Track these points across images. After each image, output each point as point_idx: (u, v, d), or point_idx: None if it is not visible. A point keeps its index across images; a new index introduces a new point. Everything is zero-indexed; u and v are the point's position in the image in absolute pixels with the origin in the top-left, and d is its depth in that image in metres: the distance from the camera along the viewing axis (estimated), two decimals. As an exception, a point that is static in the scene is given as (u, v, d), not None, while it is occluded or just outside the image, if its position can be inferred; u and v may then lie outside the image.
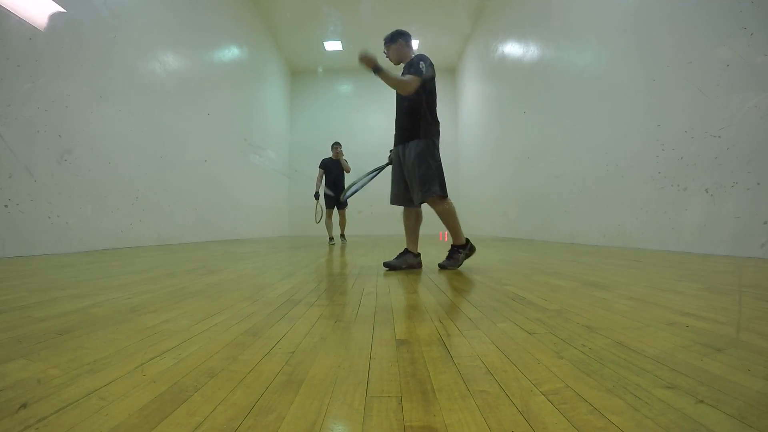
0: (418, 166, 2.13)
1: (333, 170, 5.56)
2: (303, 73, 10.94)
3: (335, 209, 5.63)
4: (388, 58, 2.34)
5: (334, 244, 5.37)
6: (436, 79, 2.33)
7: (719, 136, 2.70)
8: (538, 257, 2.89)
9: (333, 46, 9.62)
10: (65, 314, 1.09)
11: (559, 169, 4.91)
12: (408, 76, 2.08)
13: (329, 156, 5.63)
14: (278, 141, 9.85)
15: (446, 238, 7.04)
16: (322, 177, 5.56)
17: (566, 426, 0.47)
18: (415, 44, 9.55)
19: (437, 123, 2.30)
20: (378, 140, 10.50)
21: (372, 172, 2.73)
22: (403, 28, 2.44)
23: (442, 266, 2.17)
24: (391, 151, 2.41)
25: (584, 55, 4.34)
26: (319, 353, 0.76)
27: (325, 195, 5.53)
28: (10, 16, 2.94)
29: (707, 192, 2.80)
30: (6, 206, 2.87)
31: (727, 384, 0.59)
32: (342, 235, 5.81)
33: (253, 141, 7.85)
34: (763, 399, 0.54)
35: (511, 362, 0.70)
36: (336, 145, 5.56)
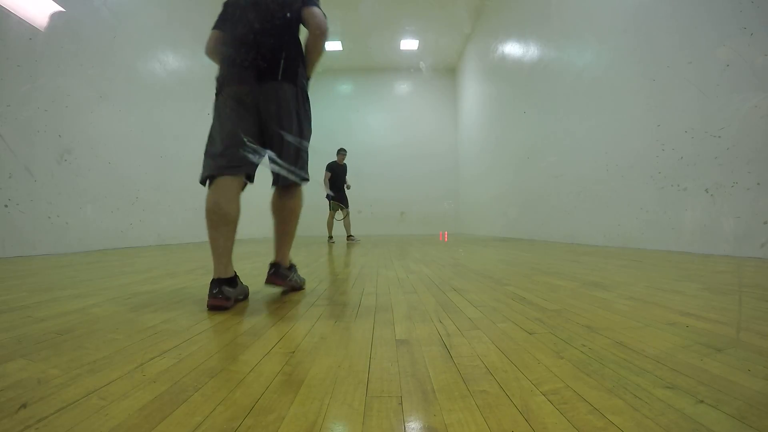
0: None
1: (340, 174, 5.82)
2: (303, 73, 10.95)
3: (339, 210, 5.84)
4: None
5: (333, 243, 5.48)
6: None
7: (719, 136, 2.70)
8: (538, 257, 2.89)
9: (333, 45, 9.62)
10: (65, 314, 1.09)
11: (559, 169, 4.91)
12: (317, 12, 1.41)
13: (334, 160, 5.76)
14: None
15: (446, 238, 7.07)
16: (329, 179, 5.72)
17: (566, 426, 0.47)
18: (414, 44, 9.65)
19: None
20: (378, 140, 10.58)
21: None
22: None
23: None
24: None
25: (584, 55, 4.34)
26: (319, 353, 0.76)
27: (333, 197, 5.68)
28: (10, 16, 2.95)
29: (707, 192, 2.80)
30: (6, 206, 2.87)
31: (727, 384, 0.59)
32: (350, 236, 5.91)
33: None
34: (763, 399, 0.54)
35: (511, 362, 0.70)
36: (343, 152, 5.82)
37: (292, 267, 1.50)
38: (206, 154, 1.35)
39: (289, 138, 1.38)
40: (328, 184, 5.68)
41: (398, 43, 9.53)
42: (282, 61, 1.37)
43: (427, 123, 10.83)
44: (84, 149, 3.59)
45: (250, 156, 1.35)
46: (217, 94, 1.45)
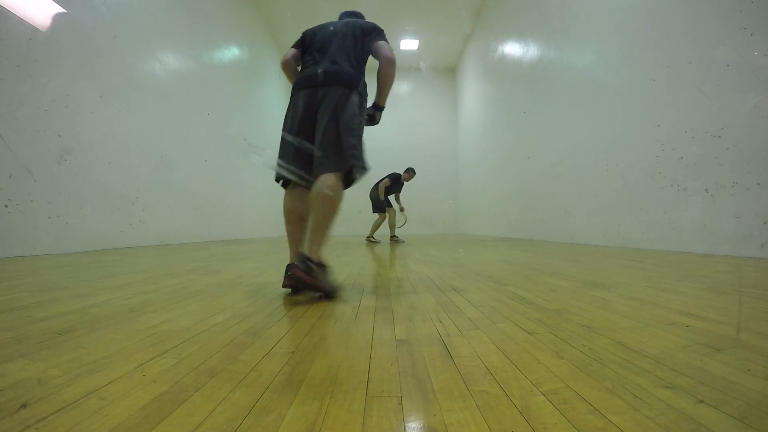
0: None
1: (396, 188, 5.91)
2: (303, 73, 10.94)
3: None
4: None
5: (401, 242, 5.72)
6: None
7: (719, 136, 2.70)
8: (538, 257, 2.89)
9: (333, 46, 9.63)
10: (65, 314, 1.09)
11: (559, 169, 4.91)
12: (386, 45, 1.63)
13: (398, 172, 5.86)
14: (278, 141, 9.85)
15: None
16: (385, 185, 5.74)
17: (566, 426, 0.47)
18: (414, 44, 9.65)
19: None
20: (378, 140, 10.55)
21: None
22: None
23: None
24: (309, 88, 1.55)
25: (584, 55, 4.34)
26: (319, 353, 0.76)
27: (387, 201, 5.82)
28: (10, 16, 2.94)
29: (707, 192, 2.80)
30: (6, 206, 2.87)
31: (727, 384, 0.59)
32: (394, 236, 5.99)
33: (253, 141, 7.85)
34: (763, 399, 0.54)
35: (511, 362, 0.70)
36: (410, 171, 5.88)
37: (322, 265, 1.34)
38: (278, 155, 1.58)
39: (330, 128, 1.46)
40: (383, 190, 5.66)
41: (398, 43, 9.53)
42: (344, 72, 1.54)
43: (428, 123, 10.82)
44: (84, 149, 3.59)
45: (293, 169, 1.50)
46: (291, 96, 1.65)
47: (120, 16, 4.09)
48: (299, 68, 1.72)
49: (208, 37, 5.98)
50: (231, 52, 6.90)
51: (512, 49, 6.49)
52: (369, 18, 1.87)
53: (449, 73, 11.00)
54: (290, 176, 1.51)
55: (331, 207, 1.39)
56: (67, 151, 3.40)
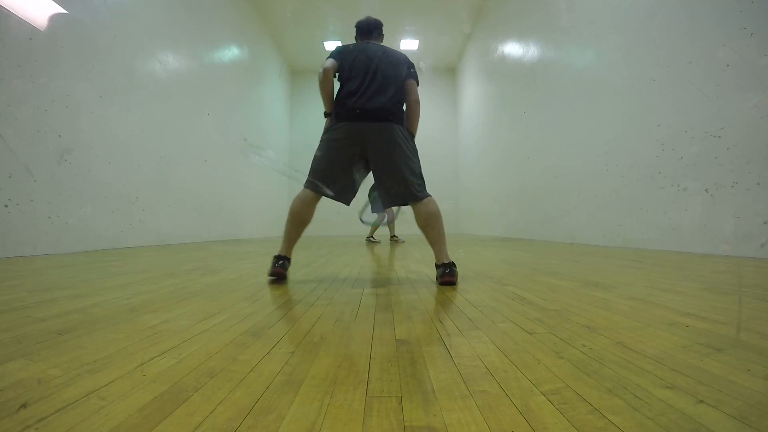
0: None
1: None
2: (303, 73, 10.95)
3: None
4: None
5: (402, 242, 5.73)
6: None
7: (719, 136, 2.70)
8: (538, 257, 2.89)
9: (333, 45, 9.62)
10: (65, 314, 1.09)
11: (559, 169, 4.91)
12: (415, 86, 1.85)
13: None
14: (278, 141, 9.85)
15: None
16: None
17: (566, 426, 0.47)
18: (414, 44, 9.65)
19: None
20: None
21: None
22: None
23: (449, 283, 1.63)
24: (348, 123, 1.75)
25: (584, 55, 4.35)
26: (319, 353, 0.76)
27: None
28: (10, 16, 2.94)
29: (707, 192, 2.80)
30: (6, 206, 2.87)
31: (727, 384, 0.59)
32: (393, 236, 5.97)
33: (253, 141, 7.85)
34: (763, 399, 0.54)
35: (511, 362, 0.70)
36: None
37: (454, 263, 1.69)
38: (310, 168, 1.79)
39: (404, 167, 1.73)
40: None
41: (398, 43, 9.53)
42: (399, 111, 1.77)
43: (428, 123, 10.76)
44: (84, 149, 3.59)
45: (328, 189, 1.75)
46: (326, 130, 1.79)
47: (120, 16, 4.09)
48: (337, 88, 1.82)
49: (208, 37, 5.98)
50: (231, 52, 6.90)
51: (512, 48, 6.49)
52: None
53: (449, 72, 11.00)
54: (329, 194, 1.74)
55: (442, 220, 1.75)
56: (67, 151, 3.41)
